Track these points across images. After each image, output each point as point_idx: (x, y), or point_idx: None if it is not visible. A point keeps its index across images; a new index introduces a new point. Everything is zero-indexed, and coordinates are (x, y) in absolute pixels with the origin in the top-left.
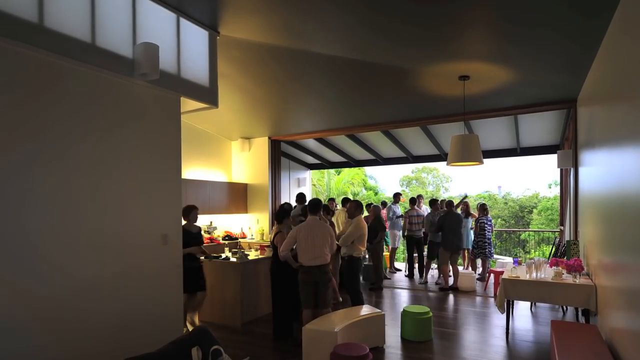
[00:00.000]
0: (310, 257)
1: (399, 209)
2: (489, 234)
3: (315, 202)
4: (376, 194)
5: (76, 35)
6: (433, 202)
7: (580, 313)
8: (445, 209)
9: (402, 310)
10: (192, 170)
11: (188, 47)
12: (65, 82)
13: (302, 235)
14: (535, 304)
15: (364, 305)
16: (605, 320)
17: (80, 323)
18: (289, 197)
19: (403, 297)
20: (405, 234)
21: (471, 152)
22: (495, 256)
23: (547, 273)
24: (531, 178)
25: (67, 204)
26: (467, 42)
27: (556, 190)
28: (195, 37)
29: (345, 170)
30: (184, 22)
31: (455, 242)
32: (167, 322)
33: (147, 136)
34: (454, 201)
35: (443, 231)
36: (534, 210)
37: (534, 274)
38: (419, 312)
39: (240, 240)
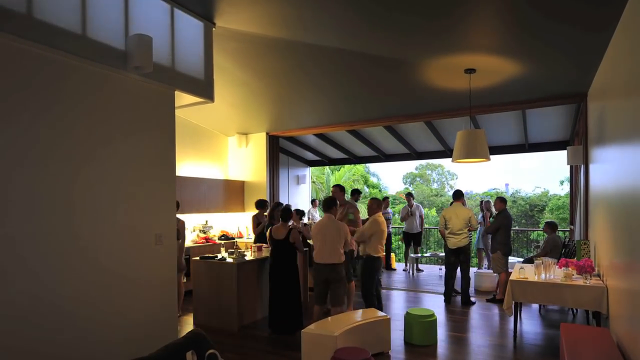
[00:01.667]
0: (320, 255)
1: (392, 213)
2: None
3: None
4: (379, 191)
5: (66, 26)
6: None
7: (591, 316)
8: (498, 206)
9: (405, 312)
10: (187, 167)
11: (183, 39)
12: (54, 76)
13: (314, 233)
14: (544, 306)
15: (370, 309)
16: (617, 323)
17: (68, 327)
18: (287, 194)
19: (405, 299)
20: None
21: (477, 148)
22: None
23: (556, 274)
24: (541, 175)
25: (52, 203)
26: (473, 33)
27: (567, 188)
28: (190, 28)
29: (347, 167)
30: (178, 12)
31: (510, 244)
32: (161, 325)
33: (139, 132)
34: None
35: (499, 232)
36: (545, 208)
37: (542, 275)
38: (423, 315)
39: (237, 240)
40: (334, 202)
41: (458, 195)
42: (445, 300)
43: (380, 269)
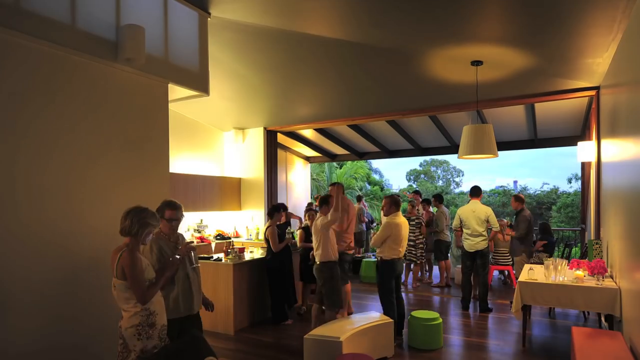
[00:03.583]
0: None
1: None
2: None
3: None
4: (382, 189)
5: (54, 16)
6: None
7: (603, 319)
8: (516, 206)
9: (409, 316)
10: (181, 163)
11: (176, 29)
12: (42, 67)
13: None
14: (554, 309)
15: (372, 312)
16: (631, 326)
17: (54, 330)
18: (285, 192)
19: (409, 302)
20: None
21: (484, 143)
22: None
23: (567, 275)
24: (550, 172)
25: (40, 199)
26: (480, 22)
27: (577, 185)
28: (184, 18)
29: (348, 163)
30: (171, 2)
31: (532, 246)
32: None
33: (132, 126)
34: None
35: (527, 233)
36: (553, 206)
37: (552, 277)
38: (427, 318)
39: (233, 239)
40: (325, 200)
41: (476, 191)
42: (463, 307)
43: (396, 272)
